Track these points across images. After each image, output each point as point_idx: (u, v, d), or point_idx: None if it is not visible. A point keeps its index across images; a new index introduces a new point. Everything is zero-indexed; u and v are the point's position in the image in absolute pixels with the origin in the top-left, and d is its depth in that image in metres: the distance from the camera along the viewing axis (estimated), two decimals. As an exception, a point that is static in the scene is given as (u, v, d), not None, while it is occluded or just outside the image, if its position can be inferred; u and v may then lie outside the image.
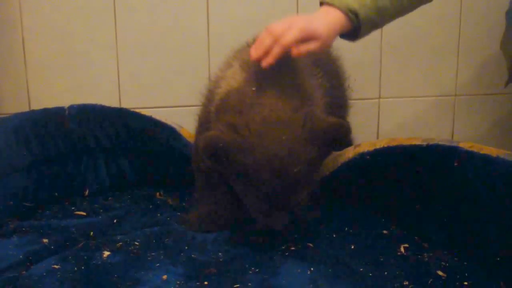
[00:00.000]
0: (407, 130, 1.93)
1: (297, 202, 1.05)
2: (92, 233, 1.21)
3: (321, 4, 1.19)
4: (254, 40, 1.27)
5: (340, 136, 1.06)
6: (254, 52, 1.11)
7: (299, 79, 1.15)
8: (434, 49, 1.90)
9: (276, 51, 1.08)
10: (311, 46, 1.11)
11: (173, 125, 1.44)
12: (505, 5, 1.61)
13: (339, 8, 1.15)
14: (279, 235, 1.13)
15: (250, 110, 1.06)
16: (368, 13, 1.18)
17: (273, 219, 1.05)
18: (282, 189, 1.01)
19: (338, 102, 1.36)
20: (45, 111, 1.45)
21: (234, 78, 1.17)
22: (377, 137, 1.92)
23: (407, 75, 1.90)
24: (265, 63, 1.09)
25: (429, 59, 1.90)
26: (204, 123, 1.22)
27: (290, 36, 1.08)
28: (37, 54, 1.71)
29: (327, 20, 1.14)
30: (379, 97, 1.90)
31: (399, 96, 1.91)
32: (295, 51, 1.09)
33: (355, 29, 1.20)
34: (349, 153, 1.21)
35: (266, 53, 1.09)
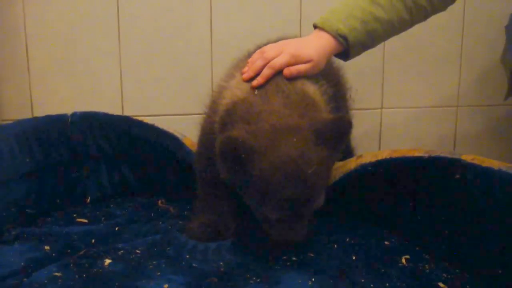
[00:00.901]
0: (409, 141, 1.93)
1: (313, 208, 1.05)
2: (93, 240, 1.21)
3: (315, 27, 1.27)
4: (255, 50, 1.28)
5: (342, 130, 1.06)
6: (246, 74, 1.19)
7: (303, 86, 1.16)
8: (436, 60, 1.90)
9: (266, 73, 1.17)
10: (302, 68, 1.19)
11: (176, 134, 1.44)
12: (507, 16, 1.61)
13: (329, 32, 1.24)
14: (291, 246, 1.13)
15: (258, 119, 1.07)
16: (357, 37, 1.25)
17: (292, 229, 1.04)
18: (298, 193, 0.99)
19: (341, 112, 1.37)
20: (48, 118, 1.46)
21: (239, 88, 1.18)
22: (379, 148, 1.92)
23: (410, 86, 1.90)
24: (256, 83, 1.16)
25: (431, 70, 1.91)
26: (207, 133, 1.22)
27: (280, 60, 1.18)
28: (41, 61, 1.71)
29: (318, 44, 1.24)
30: (381, 107, 1.90)
31: (401, 107, 1.91)
32: (286, 73, 1.17)
33: (346, 50, 1.27)
34: (351, 164, 1.21)
35: (257, 74, 1.18)
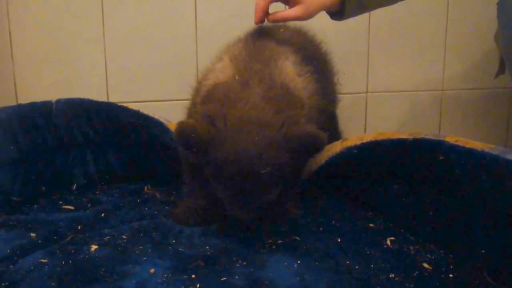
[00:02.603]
0: (394, 124, 1.94)
1: (263, 201, 1.06)
2: (79, 227, 1.21)
3: None
4: (246, 36, 1.29)
5: (314, 148, 1.06)
6: (254, 18, 1.26)
7: (286, 79, 1.16)
8: (421, 44, 1.91)
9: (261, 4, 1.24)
10: (290, 13, 1.21)
11: (161, 119, 1.44)
12: (492, 0, 1.62)
13: None
14: (260, 228, 1.14)
15: (231, 105, 1.07)
16: None
17: (239, 210, 1.06)
18: (246, 187, 1.01)
19: (327, 98, 1.37)
20: (32, 105, 1.45)
21: (223, 71, 1.18)
22: (365, 131, 1.93)
23: (395, 70, 1.91)
24: (256, 20, 1.25)
25: (416, 54, 1.91)
26: (192, 114, 1.23)
27: None
28: (24, 48, 1.70)
29: None
30: (367, 92, 1.91)
31: (387, 91, 1.92)
32: (270, 18, 1.23)
33: (341, 7, 1.25)
34: (337, 147, 1.22)
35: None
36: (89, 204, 1.36)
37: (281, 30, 1.37)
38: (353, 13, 1.30)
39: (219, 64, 1.22)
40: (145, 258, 1.03)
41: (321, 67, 1.34)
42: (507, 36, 1.42)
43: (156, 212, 1.29)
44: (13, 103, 1.67)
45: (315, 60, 1.31)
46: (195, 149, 1.04)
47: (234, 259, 1.03)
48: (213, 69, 1.22)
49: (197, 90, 1.25)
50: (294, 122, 1.07)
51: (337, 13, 1.30)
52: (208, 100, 1.12)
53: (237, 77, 1.14)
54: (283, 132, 1.04)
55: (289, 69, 1.19)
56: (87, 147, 1.51)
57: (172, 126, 1.42)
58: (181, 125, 1.04)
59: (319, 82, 1.25)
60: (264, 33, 1.33)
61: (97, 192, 1.46)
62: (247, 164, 0.99)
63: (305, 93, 1.19)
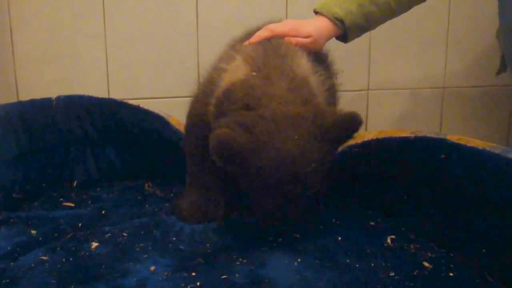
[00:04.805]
0: (395, 122, 1.94)
1: (307, 203, 1.02)
2: (80, 224, 1.21)
3: (315, 12, 1.34)
4: (250, 30, 1.29)
5: (353, 129, 1.01)
6: (249, 41, 1.25)
7: (305, 73, 1.14)
8: (423, 41, 1.90)
9: (262, 34, 1.24)
10: (302, 41, 1.25)
11: (161, 114, 1.44)
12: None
13: (327, 16, 1.30)
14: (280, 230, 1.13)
15: (258, 103, 1.02)
16: (354, 20, 1.31)
17: (275, 218, 1.02)
18: (295, 192, 0.98)
19: (331, 97, 1.37)
20: (33, 102, 1.45)
21: (238, 71, 1.13)
22: (366, 129, 1.92)
23: (396, 67, 1.90)
24: (248, 41, 1.24)
25: (418, 51, 1.91)
26: (200, 114, 1.20)
27: (280, 27, 1.26)
28: (25, 44, 1.70)
29: (318, 24, 1.30)
30: (368, 89, 1.90)
31: (388, 88, 1.92)
32: (286, 40, 1.22)
33: (344, 33, 1.33)
34: (338, 145, 1.21)
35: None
36: (89, 201, 1.37)
37: None
38: (356, 36, 1.39)
39: (233, 64, 1.19)
40: (145, 256, 1.03)
41: (330, 69, 1.34)
42: (508, 33, 1.42)
43: (156, 210, 1.29)
44: (14, 100, 1.67)
45: (322, 60, 1.31)
46: (236, 162, 0.96)
47: (235, 257, 1.03)
48: (226, 69, 1.18)
49: (209, 90, 1.20)
50: (323, 110, 1.03)
51: (341, 38, 1.38)
52: (229, 101, 1.06)
53: (255, 73, 1.10)
54: (318, 124, 1.00)
55: (305, 65, 1.17)
56: (88, 144, 1.51)
57: (173, 120, 1.42)
58: (220, 136, 0.95)
59: (327, 82, 1.25)
60: None
61: (97, 189, 1.46)
62: (292, 166, 0.95)
63: (320, 90, 1.17)
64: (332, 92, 1.28)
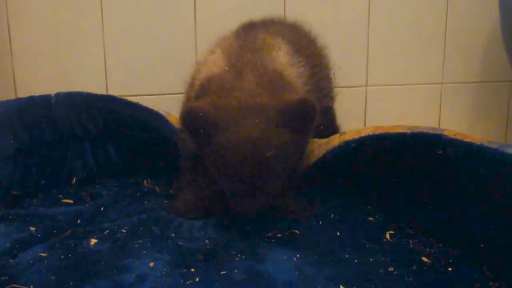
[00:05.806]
0: (394, 118, 1.94)
1: (269, 190, 1.06)
2: (79, 221, 1.21)
3: None
4: (238, 29, 1.29)
5: (305, 112, 1.05)
6: None
7: (279, 67, 1.16)
8: (421, 37, 1.90)
9: None
10: None
11: (161, 112, 1.44)
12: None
13: None
14: (259, 222, 1.14)
15: (228, 95, 1.08)
16: None
17: (242, 204, 1.06)
18: (251, 173, 1.01)
19: (323, 92, 1.37)
20: (31, 99, 1.44)
21: (215, 64, 1.19)
22: (364, 125, 1.93)
23: (394, 63, 1.91)
24: None
25: (416, 47, 1.91)
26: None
27: None
28: (23, 42, 1.70)
29: None
30: (366, 85, 1.90)
31: (386, 84, 1.92)
32: None
33: None
34: (335, 141, 1.22)
35: None
36: (88, 198, 1.36)
37: (273, 23, 1.37)
38: None
39: (211, 57, 1.24)
40: (144, 252, 1.03)
41: (315, 60, 1.34)
42: (508, 29, 1.42)
43: (155, 206, 1.29)
44: (12, 97, 1.67)
45: (309, 52, 1.31)
46: (201, 130, 1.03)
47: (234, 252, 1.04)
48: (205, 62, 1.24)
49: (191, 84, 1.26)
50: (284, 102, 1.07)
51: None
52: (202, 94, 1.13)
53: (230, 69, 1.16)
54: (279, 112, 1.04)
55: (282, 58, 1.20)
56: (87, 141, 1.51)
57: (172, 118, 1.42)
58: (188, 107, 1.06)
59: (314, 75, 1.26)
60: (256, 26, 1.34)
61: (96, 186, 1.45)
62: (251, 148, 1.00)
63: (299, 82, 1.20)
64: (316, 80, 1.29)
